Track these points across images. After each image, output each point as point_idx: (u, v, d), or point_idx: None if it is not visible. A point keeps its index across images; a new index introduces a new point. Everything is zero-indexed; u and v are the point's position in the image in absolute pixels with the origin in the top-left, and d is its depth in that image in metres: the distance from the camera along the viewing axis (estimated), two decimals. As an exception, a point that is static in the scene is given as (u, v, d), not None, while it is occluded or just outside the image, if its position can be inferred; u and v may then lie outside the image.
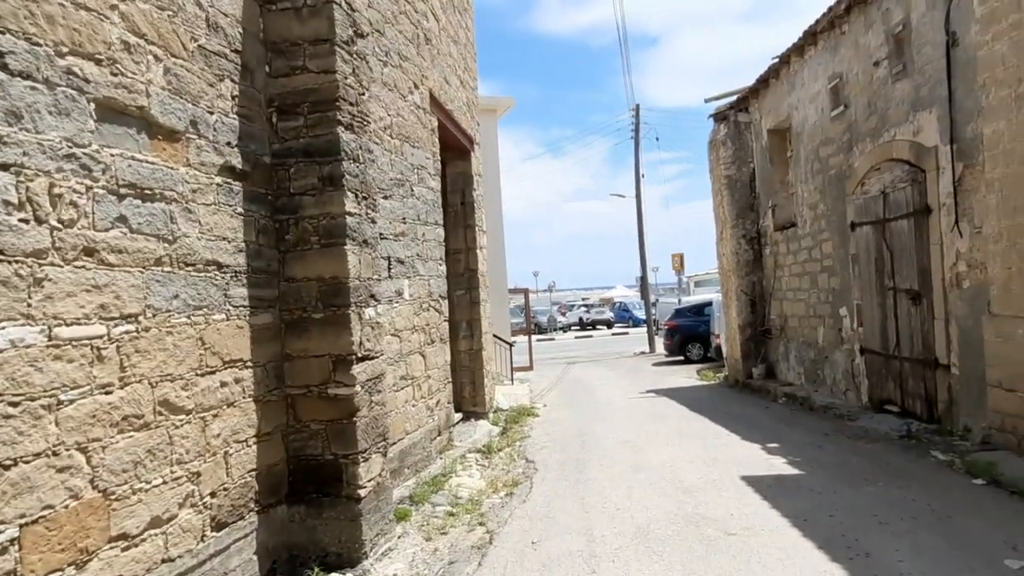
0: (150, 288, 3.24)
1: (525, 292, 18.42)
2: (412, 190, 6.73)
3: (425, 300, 6.94)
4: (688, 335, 18.83)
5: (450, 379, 7.63)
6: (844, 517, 4.79)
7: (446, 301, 7.64)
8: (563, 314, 46.74)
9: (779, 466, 6.39)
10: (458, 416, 9.18)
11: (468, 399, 9.72)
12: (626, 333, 37.18)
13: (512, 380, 15.84)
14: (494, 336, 16.23)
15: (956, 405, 7.00)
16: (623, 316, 43.32)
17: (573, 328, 43.86)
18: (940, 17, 6.83)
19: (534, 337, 37.89)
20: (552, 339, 36.60)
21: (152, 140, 3.31)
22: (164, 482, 3.25)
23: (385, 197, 6.01)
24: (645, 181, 25.51)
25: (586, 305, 48.66)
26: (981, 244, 6.50)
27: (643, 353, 23.18)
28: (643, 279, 25.03)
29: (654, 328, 23.84)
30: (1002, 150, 6.10)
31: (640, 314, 37.15)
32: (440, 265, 7.52)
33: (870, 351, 8.78)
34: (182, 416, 3.41)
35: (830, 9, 8.97)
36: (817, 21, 9.35)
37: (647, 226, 23.93)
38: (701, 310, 19.01)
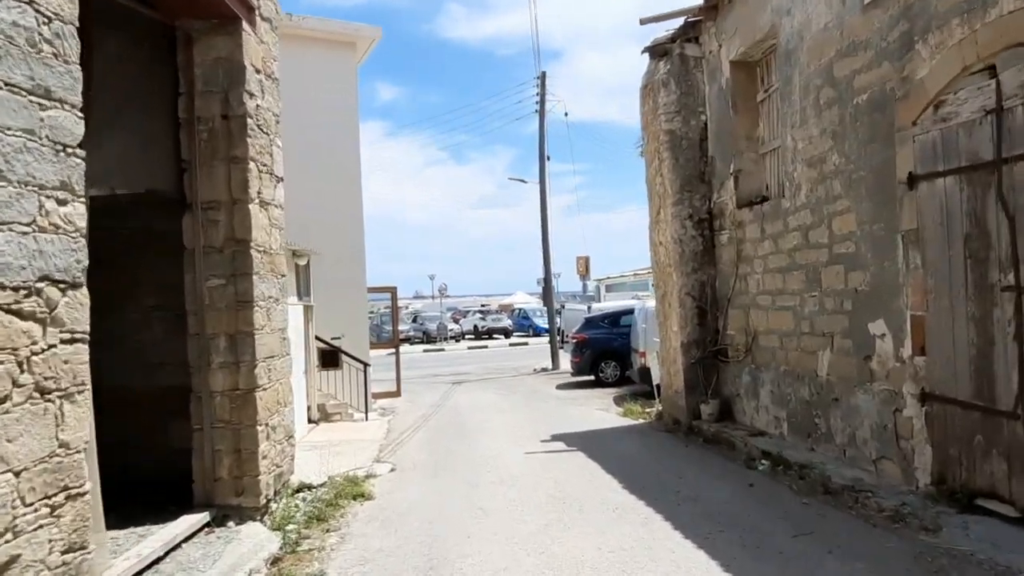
0: None
1: (392, 291, 13.80)
2: None
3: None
4: (602, 351, 15.03)
5: (69, 487, 3.11)
6: None
7: (79, 294, 3.14)
8: (456, 321, 42.20)
9: None
10: (196, 519, 4.68)
11: (227, 483, 5.21)
12: (526, 343, 33.25)
13: (367, 414, 11.38)
14: (345, 355, 11.71)
15: None
16: (523, 324, 39.40)
17: (467, 337, 39.48)
18: None
19: (420, 348, 33.39)
20: (442, 350, 32.09)
21: None
22: None
23: None
24: (551, 190, 21.72)
25: (482, 312, 44.30)
26: None
27: (545, 370, 19.20)
28: (546, 280, 20.99)
29: (559, 340, 19.94)
30: None
31: (542, 323, 33.33)
32: (60, 203, 3.02)
33: (944, 399, 4.99)
34: None
35: None
36: None
37: (551, 229, 20.01)
38: (618, 320, 15.38)
